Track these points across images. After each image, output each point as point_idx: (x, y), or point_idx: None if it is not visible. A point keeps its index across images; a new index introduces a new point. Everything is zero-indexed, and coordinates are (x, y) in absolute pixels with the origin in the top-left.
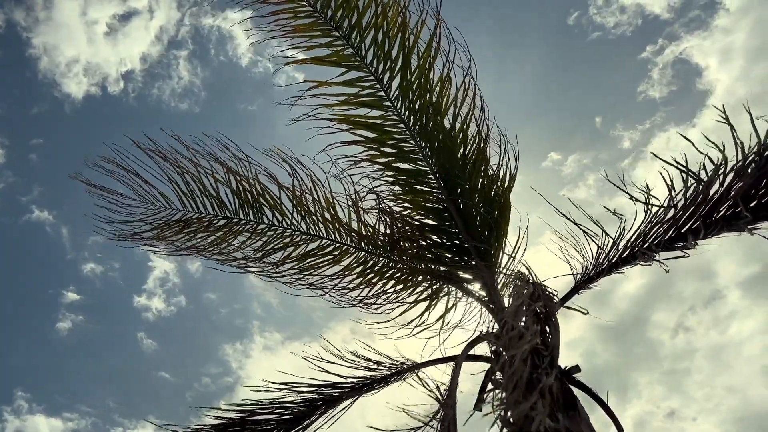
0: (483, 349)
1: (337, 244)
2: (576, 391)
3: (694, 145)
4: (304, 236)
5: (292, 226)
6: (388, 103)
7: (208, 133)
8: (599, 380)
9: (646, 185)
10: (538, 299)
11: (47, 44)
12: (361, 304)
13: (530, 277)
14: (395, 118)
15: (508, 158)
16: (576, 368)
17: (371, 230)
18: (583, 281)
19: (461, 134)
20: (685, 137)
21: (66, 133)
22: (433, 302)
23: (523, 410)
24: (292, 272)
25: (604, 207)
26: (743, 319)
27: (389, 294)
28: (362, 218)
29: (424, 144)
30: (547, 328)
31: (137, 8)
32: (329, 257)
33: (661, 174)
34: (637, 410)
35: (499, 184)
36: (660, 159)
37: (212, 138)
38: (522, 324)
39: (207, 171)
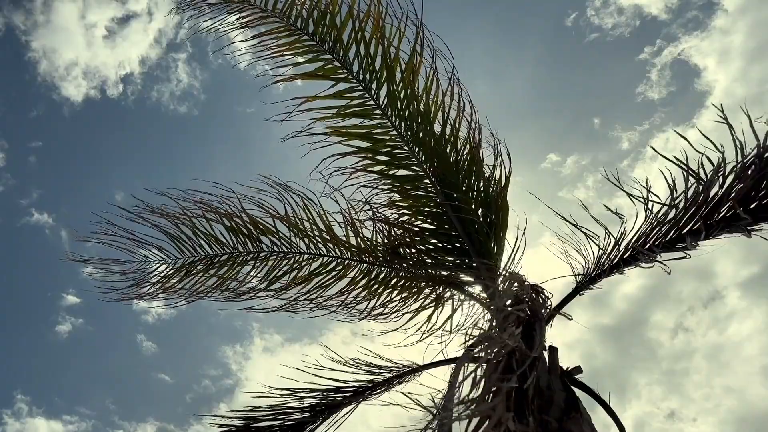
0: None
1: (339, 259)
2: (577, 392)
3: (693, 147)
4: (306, 256)
5: (292, 249)
6: (378, 112)
7: (208, 137)
8: (599, 381)
9: (649, 185)
10: (522, 302)
11: (46, 47)
12: (368, 316)
13: (526, 280)
14: (387, 125)
15: (502, 159)
16: (577, 369)
17: (370, 242)
18: (585, 282)
19: (452, 138)
20: (683, 137)
21: (65, 136)
22: (438, 308)
23: (482, 412)
24: (300, 296)
25: (606, 207)
26: (742, 319)
27: (395, 302)
28: (360, 232)
29: (417, 149)
30: (534, 331)
31: (136, 11)
32: (334, 273)
33: (663, 174)
34: (637, 411)
35: (494, 185)
36: (662, 156)
37: (201, 181)
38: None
39: (199, 217)
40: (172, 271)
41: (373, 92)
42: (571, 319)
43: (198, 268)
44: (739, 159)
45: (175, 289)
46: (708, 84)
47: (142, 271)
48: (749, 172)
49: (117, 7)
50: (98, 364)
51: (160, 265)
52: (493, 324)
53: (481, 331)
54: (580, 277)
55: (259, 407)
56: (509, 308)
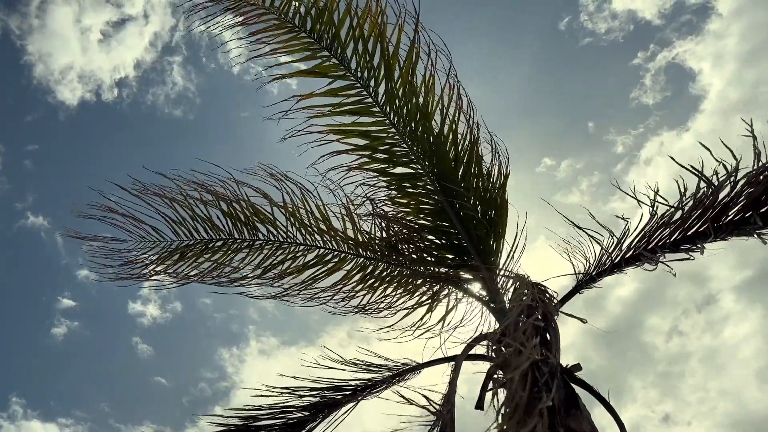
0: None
1: (335, 252)
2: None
3: (710, 152)
4: (301, 247)
5: (288, 239)
6: (376, 109)
7: (203, 141)
8: (594, 384)
9: (657, 188)
10: (537, 307)
11: (41, 51)
12: (363, 311)
13: (530, 281)
14: (385, 123)
15: (500, 156)
16: (577, 366)
17: (368, 236)
18: (585, 280)
19: (450, 135)
20: (703, 146)
21: (61, 140)
22: (434, 305)
23: None
24: (293, 286)
25: (616, 216)
26: (737, 322)
27: (391, 298)
28: (358, 225)
29: (415, 147)
30: (548, 336)
31: (131, 14)
32: (329, 265)
33: (676, 180)
34: (632, 414)
35: (493, 182)
36: (674, 160)
37: (201, 161)
38: (521, 335)
39: (196, 200)
40: (166, 254)
41: (371, 89)
42: (585, 321)
43: (193, 251)
44: (754, 165)
45: (168, 272)
46: (703, 88)
47: (137, 251)
48: (761, 177)
49: (112, 11)
50: (94, 367)
51: (155, 247)
52: (512, 335)
53: (493, 336)
54: (580, 275)
55: (259, 406)
56: (527, 320)
